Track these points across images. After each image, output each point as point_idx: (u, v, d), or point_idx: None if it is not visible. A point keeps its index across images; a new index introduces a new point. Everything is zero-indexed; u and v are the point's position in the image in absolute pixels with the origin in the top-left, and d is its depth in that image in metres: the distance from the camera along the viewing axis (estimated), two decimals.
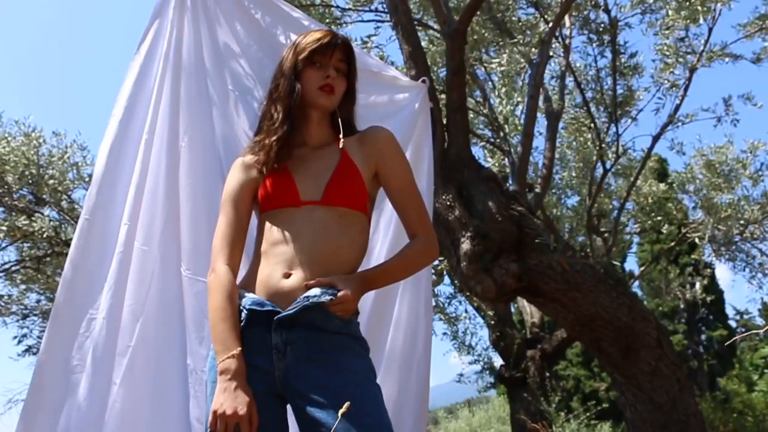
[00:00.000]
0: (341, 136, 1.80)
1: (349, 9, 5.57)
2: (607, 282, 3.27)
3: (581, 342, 3.91)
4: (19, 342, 8.99)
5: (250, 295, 1.64)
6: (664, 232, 9.15)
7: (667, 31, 5.97)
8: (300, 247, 1.64)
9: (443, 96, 3.96)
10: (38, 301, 9.13)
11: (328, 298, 1.56)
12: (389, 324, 2.46)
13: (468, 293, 6.91)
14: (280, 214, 1.71)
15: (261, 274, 1.66)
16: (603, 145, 6.24)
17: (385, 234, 2.53)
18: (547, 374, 7.98)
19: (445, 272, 7.92)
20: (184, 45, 2.32)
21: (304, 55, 1.78)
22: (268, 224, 1.72)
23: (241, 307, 1.62)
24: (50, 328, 2.03)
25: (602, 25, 6.03)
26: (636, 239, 13.97)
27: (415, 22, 3.91)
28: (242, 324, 1.61)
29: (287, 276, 1.62)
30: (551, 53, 5.41)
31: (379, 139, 1.84)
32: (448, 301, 9.35)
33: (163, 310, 2.09)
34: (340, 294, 1.57)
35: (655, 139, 6.23)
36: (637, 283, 12.47)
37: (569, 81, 6.41)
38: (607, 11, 5.92)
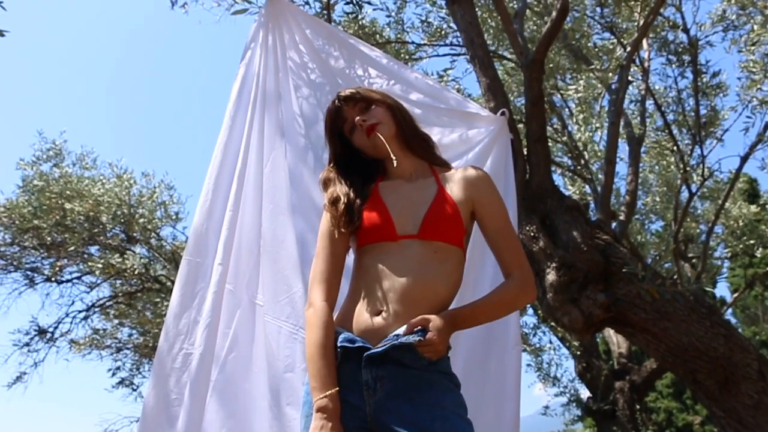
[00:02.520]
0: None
1: (425, 44, 5.64)
2: (699, 310, 3.14)
3: (675, 374, 3.76)
4: (113, 374, 9.38)
5: (344, 332, 1.66)
6: (758, 255, 8.71)
7: (752, 47, 5.76)
8: (393, 284, 1.65)
9: (521, 125, 3.95)
10: (130, 335, 9.51)
11: (417, 338, 1.56)
12: (477, 358, 2.44)
13: (553, 324, 6.76)
14: (375, 249, 1.73)
15: (355, 311, 1.69)
16: (688, 168, 6.04)
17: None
18: (637, 407, 7.67)
19: (529, 303, 7.80)
20: (268, 90, 2.43)
21: (342, 133, 1.90)
22: (363, 259, 1.75)
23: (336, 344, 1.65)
24: (154, 364, 2.14)
25: (681, 46, 5.88)
26: (726, 264, 13.35)
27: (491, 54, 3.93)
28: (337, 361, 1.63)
29: (378, 313, 1.64)
30: (629, 77, 5.31)
31: (478, 179, 1.85)
32: (532, 331, 9.21)
33: (243, 347, 2.17)
34: (428, 336, 1.56)
35: (744, 159, 5.97)
36: (729, 310, 11.88)
37: (649, 104, 6.27)
38: (686, 31, 5.77)
